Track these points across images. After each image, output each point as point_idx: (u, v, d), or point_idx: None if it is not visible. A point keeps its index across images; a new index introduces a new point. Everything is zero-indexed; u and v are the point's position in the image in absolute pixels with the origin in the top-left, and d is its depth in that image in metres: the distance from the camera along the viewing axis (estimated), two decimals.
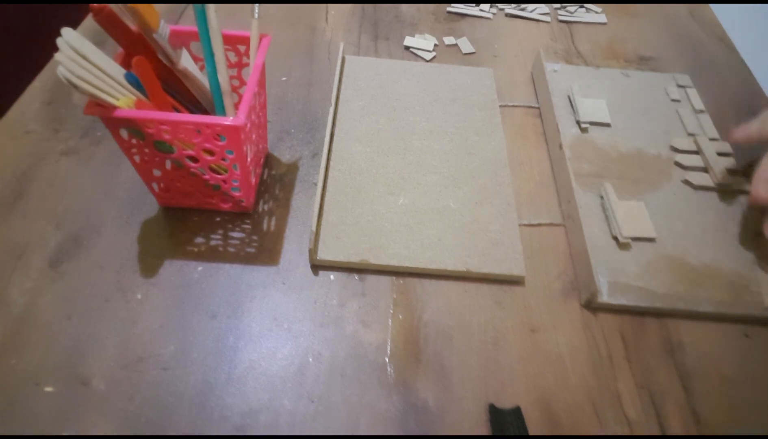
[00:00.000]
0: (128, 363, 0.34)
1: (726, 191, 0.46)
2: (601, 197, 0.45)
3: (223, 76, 0.38)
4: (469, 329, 0.37)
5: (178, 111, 0.38)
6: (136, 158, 0.38)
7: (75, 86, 0.30)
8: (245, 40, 0.40)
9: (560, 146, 0.46)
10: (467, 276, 0.40)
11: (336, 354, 0.36)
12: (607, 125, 0.51)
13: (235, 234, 0.41)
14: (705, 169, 0.48)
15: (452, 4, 0.66)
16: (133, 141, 0.37)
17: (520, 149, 0.49)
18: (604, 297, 0.39)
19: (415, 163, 0.46)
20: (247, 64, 0.41)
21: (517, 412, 0.33)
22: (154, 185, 0.40)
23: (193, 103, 0.40)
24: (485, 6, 0.66)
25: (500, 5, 0.67)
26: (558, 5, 0.68)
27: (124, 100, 0.33)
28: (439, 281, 0.40)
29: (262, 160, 0.45)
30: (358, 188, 0.44)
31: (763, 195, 0.39)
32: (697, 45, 0.63)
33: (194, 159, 0.36)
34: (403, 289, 0.39)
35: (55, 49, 0.30)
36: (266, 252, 0.41)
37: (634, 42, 0.63)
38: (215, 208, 0.42)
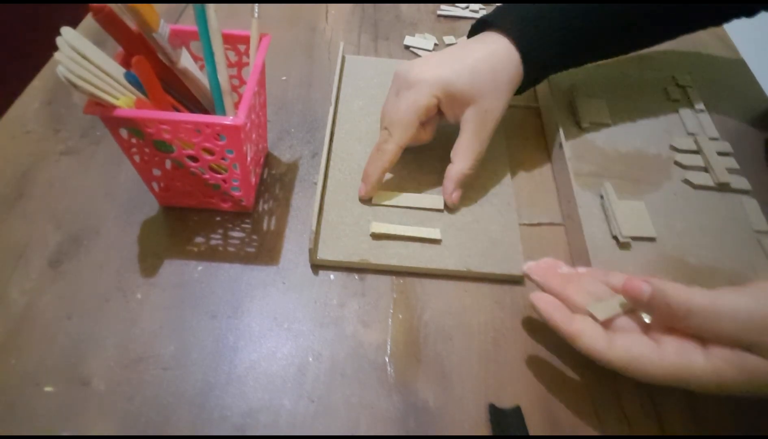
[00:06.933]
0: (128, 363, 0.34)
1: (726, 191, 0.46)
2: (601, 197, 0.45)
3: (223, 75, 0.38)
4: (469, 329, 0.37)
5: (178, 110, 0.38)
6: (136, 158, 0.38)
7: (75, 86, 0.30)
8: (245, 40, 0.40)
9: (560, 146, 0.46)
10: (467, 276, 0.40)
11: (336, 354, 0.36)
12: (607, 125, 0.51)
13: (235, 234, 0.41)
14: (705, 169, 0.48)
15: (442, 7, 0.65)
16: (133, 141, 0.37)
17: (520, 149, 0.49)
18: None
19: (415, 162, 0.46)
20: (247, 64, 0.41)
21: (517, 412, 0.33)
22: (154, 185, 0.40)
23: (193, 103, 0.40)
24: (475, 6, 0.66)
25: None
26: None
27: (124, 99, 0.33)
28: (439, 281, 0.40)
29: (262, 159, 0.45)
30: (358, 188, 0.44)
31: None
32: (697, 45, 0.63)
33: (194, 158, 0.36)
34: (403, 289, 0.39)
35: (55, 48, 0.30)
36: (266, 252, 0.41)
37: None
38: (215, 208, 0.42)
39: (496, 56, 0.41)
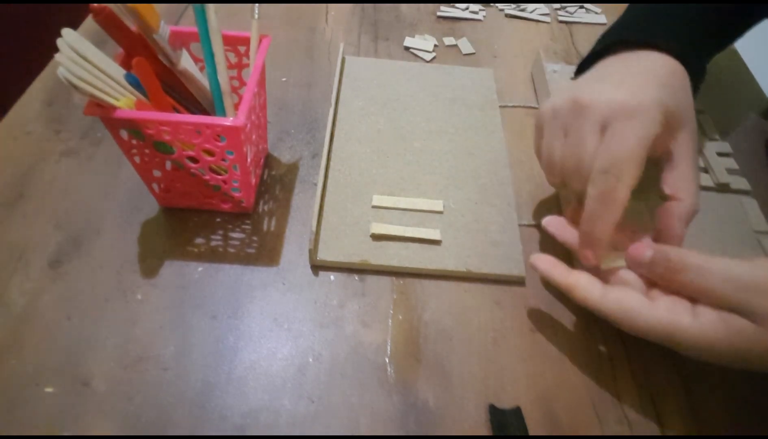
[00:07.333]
0: (128, 363, 0.34)
1: (726, 192, 0.46)
2: None
3: (223, 76, 0.38)
4: (469, 329, 0.37)
5: (178, 112, 0.38)
6: (137, 159, 0.38)
7: (75, 87, 0.30)
8: (245, 41, 0.40)
9: None
10: (467, 276, 0.40)
11: (336, 354, 0.36)
12: None
13: (235, 234, 0.41)
14: (705, 169, 0.48)
15: (442, 8, 0.66)
16: (134, 142, 0.37)
17: (520, 149, 0.49)
18: None
19: (415, 163, 0.46)
20: (247, 65, 0.41)
21: (517, 412, 0.33)
22: (155, 186, 0.40)
23: (194, 104, 0.41)
24: (475, 7, 0.66)
25: (500, 6, 0.67)
26: (558, 5, 0.68)
27: (125, 100, 0.33)
28: (439, 281, 0.40)
29: (262, 160, 0.46)
30: (358, 188, 0.44)
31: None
32: None
33: (194, 160, 0.37)
34: (403, 289, 0.39)
35: (56, 49, 0.30)
36: (266, 252, 0.41)
37: None
38: (215, 209, 0.42)
39: (672, 69, 0.36)
